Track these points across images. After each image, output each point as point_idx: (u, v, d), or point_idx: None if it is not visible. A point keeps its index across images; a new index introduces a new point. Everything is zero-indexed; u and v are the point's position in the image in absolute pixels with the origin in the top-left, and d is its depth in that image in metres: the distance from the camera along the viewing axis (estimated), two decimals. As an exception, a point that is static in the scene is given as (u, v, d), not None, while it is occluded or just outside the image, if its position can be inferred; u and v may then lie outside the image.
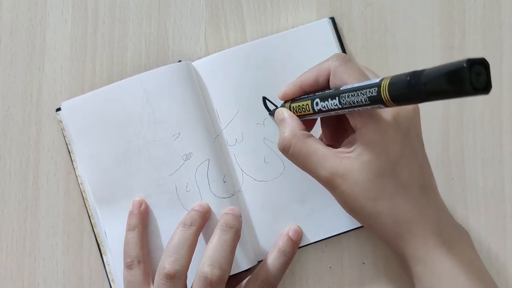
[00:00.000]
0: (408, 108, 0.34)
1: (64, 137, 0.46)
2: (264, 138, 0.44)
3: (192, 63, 0.45)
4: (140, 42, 0.47)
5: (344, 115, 0.35)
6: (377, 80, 0.30)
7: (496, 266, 0.45)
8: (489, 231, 0.45)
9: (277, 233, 0.44)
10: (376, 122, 0.33)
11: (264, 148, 0.44)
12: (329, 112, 0.34)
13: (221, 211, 0.42)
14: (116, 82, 0.44)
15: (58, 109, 0.45)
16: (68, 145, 0.45)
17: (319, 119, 0.41)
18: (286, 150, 0.37)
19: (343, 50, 0.45)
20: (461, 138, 0.45)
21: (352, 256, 0.45)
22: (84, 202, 0.45)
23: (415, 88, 0.26)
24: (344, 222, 0.44)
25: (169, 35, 0.47)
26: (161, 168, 0.43)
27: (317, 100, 0.35)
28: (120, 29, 0.47)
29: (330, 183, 0.35)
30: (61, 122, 0.45)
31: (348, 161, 0.34)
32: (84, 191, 0.45)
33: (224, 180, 0.43)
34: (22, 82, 0.47)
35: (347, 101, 0.32)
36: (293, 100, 0.39)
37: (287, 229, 0.43)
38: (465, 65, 0.24)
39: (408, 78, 0.27)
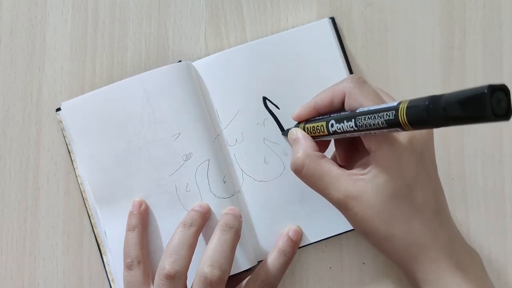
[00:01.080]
0: (423, 131, 0.34)
1: (64, 137, 0.46)
2: (264, 138, 0.44)
3: (192, 63, 0.45)
4: (140, 42, 0.47)
5: (358, 136, 0.35)
6: (395, 104, 0.29)
7: (496, 266, 0.44)
8: (489, 231, 0.45)
9: (277, 233, 0.44)
10: (391, 145, 0.33)
11: (264, 148, 0.44)
12: (344, 134, 0.34)
13: (221, 211, 0.42)
14: (116, 82, 0.44)
15: (58, 109, 0.45)
16: (68, 145, 0.45)
17: (332, 141, 0.41)
18: (299, 170, 0.36)
19: (343, 50, 0.45)
20: (461, 138, 0.45)
21: (352, 256, 0.45)
22: (84, 202, 0.45)
23: (434, 113, 0.26)
24: (344, 222, 0.43)
25: (169, 35, 0.47)
26: (161, 168, 0.43)
27: (332, 121, 0.35)
28: (120, 29, 0.47)
29: (343, 205, 0.35)
30: (61, 122, 0.45)
31: (362, 183, 0.34)
32: (84, 191, 0.45)
33: (224, 180, 0.43)
34: (22, 82, 0.47)
35: (363, 123, 0.32)
36: (307, 121, 0.39)
37: (287, 229, 0.43)
38: (486, 91, 0.24)
39: (427, 102, 0.27)
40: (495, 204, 0.45)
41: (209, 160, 0.43)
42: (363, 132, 0.32)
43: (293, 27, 0.46)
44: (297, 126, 0.40)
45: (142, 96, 0.43)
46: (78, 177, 0.45)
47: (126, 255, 0.41)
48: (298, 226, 0.44)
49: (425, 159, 0.34)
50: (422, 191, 0.34)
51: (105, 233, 0.44)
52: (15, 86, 0.47)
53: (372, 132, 0.32)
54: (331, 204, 0.37)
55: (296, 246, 0.43)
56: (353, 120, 0.33)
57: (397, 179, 0.33)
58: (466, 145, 0.45)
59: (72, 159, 0.45)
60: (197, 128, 0.43)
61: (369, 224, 0.34)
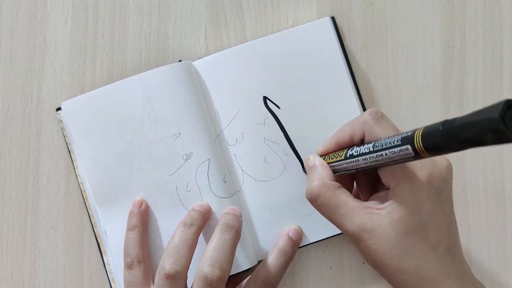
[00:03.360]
0: (441, 168, 0.35)
1: (64, 137, 0.45)
2: (264, 138, 0.44)
3: (193, 62, 0.45)
4: (140, 42, 0.47)
5: (377, 174, 0.35)
6: (412, 129, 0.30)
7: (496, 266, 0.45)
8: (489, 231, 0.45)
9: (277, 233, 0.44)
10: (410, 183, 0.33)
11: (264, 148, 0.44)
12: (358, 157, 0.34)
13: (222, 211, 0.42)
14: (117, 82, 0.44)
15: (58, 109, 0.45)
16: (68, 145, 0.45)
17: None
18: (314, 200, 0.36)
19: (344, 50, 0.45)
20: (461, 138, 0.45)
21: (352, 256, 0.45)
22: (84, 202, 0.45)
23: (448, 135, 0.26)
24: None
25: (169, 35, 0.47)
26: (161, 168, 0.43)
27: (353, 147, 0.35)
28: (120, 29, 0.47)
29: (356, 237, 0.35)
30: (61, 122, 0.45)
31: (378, 217, 0.34)
32: (84, 191, 0.45)
33: (224, 180, 0.43)
34: (22, 82, 0.47)
35: (380, 143, 0.32)
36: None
37: (287, 229, 0.43)
38: (501, 107, 0.23)
39: (441, 127, 0.27)
40: (495, 204, 0.45)
41: (209, 160, 0.43)
42: (375, 154, 0.32)
43: (293, 27, 0.46)
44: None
45: (143, 95, 0.43)
46: (78, 177, 0.45)
47: (126, 254, 0.41)
48: (299, 226, 0.44)
49: (443, 197, 0.35)
50: (436, 228, 0.34)
51: (105, 232, 0.44)
52: (15, 86, 0.47)
53: (385, 152, 0.31)
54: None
55: (296, 246, 0.43)
56: (372, 142, 0.33)
57: (414, 217, 0.33)
58: (466, 145, 0.45)
59: (72, 158, 0.45)
60: (197, 128, 0.43)
61: (381, 258, 0.34)
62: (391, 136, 0.32)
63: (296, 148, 0.44)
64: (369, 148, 0.33)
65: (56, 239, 0.46)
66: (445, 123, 0.27)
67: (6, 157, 0.46)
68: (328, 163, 0.38)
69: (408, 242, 0.33)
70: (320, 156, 0.39)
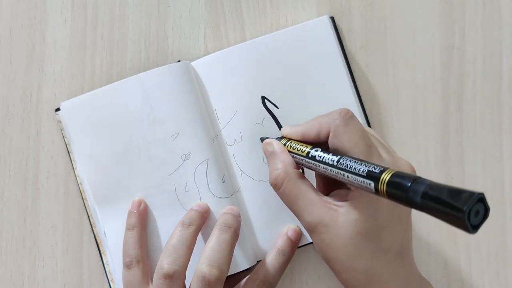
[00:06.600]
0: None
1: (63, 137, 0.46)
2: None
3: (191, 63, 0.45)
4: (140, 42, 0.47)
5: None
6: (382, 168, 0.30)
7: (496, 266, 0.44)
8: (489, 231, 0.45)
9: (276, 233, 0.44)
10: None
11: (263, 148, 0.44)
12: (318, 164, 0.34)
13: (220, 211, 0.42)
14: (116, 82, 0.44)
15: (58, 109, 0.45)
16: (67, 145, 0.45)
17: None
18: (277, 187, 0.37)
19: (343, 50, 0.45)
20: (461, 138, 0.45)
21: (351, 256, 0.45)
22: (84, 202, 0.45)
23: (413, 195, 0.27)
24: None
25: (168, 35, 0.47)
26: (160, 168, 0.43)
27: (319, 149, 0.35)
28: (120, 29, 0.47)
29: (312, 229, 0.35)
30: (60, 122, 0.45)
31: (335, 213, 0.34)
32: (83, 191, 0.45)
33: (223, 180, 0.43)
34: (21, 82, 0.47)
35: (345, 163, 0.32)
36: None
37: (286, 229, 0.43)
38: (471, 202, 0.24)
39: (410, 184, 0.27)
40: (495, 204, 0.45)
41: (208, 160, 0.43)
42: (337, 171, 0.33)
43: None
44: (279, 139, 0.40)
45: (141, 96, 0.43)
46: (77, 177, 0.45)
47: (125, 254, 0.41)
48: (297, 226, 0.44)
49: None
50: (390, 234, 0.34)
51: (104, 233, 0.44)
52: (14, 86, 0.47)
53: (348, 175, 0.32)
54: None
55: (295, 246, 0.43)
56: (338, 156, 0.33)
57: (370, 220, 0.33)
58: (466, 145, 0.45)
59: (72, 159, 0.45)
60: (196, 128, 0.43)
61: (333, 253, 0.34)
62: (358, 161, 0.31)
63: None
64: (333, 161, 0.33)
65: (56, 239, 0.46)
66: (414, 181, 0.27)
67: (5, 157, 0.46)
68: (288, 151, 0.38)
69: (361, 243, 0.33)
70: (283, 137, 0.39)
